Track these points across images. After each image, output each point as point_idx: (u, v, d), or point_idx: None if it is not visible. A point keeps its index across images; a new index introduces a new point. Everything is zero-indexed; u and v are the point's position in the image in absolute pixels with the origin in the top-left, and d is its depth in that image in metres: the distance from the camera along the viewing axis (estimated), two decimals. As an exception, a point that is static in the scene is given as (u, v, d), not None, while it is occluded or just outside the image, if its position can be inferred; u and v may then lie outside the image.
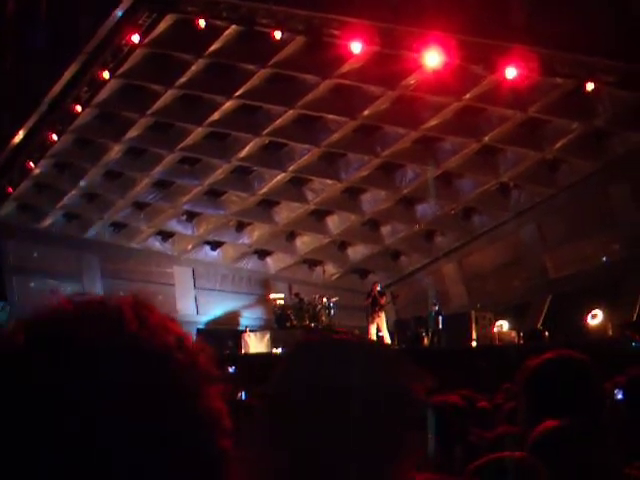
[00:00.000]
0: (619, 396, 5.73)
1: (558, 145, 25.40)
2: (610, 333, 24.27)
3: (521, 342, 24.85)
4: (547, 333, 24.72)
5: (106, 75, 24.41)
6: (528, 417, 3.38)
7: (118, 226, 31.23)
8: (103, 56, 24.11)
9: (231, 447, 1.26)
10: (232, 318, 31.32)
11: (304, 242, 31.43)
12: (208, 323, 30.98)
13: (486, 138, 25.56)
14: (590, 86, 22.43)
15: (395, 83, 24.08)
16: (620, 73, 22.14)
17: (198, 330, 29.59)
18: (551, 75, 22.75)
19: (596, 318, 25.15)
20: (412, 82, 23.80)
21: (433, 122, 25.02)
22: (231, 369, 17.33)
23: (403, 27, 21.10)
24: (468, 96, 24.03)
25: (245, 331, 28.69)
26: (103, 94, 25.59)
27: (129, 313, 1.31)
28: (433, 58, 21.64)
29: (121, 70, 24.81)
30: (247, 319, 31.44)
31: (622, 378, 5.74)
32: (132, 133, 27.11)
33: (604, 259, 26.75)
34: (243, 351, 26.84)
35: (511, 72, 21.84)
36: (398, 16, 20.66)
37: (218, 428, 1.26)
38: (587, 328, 25.14)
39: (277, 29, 22.36)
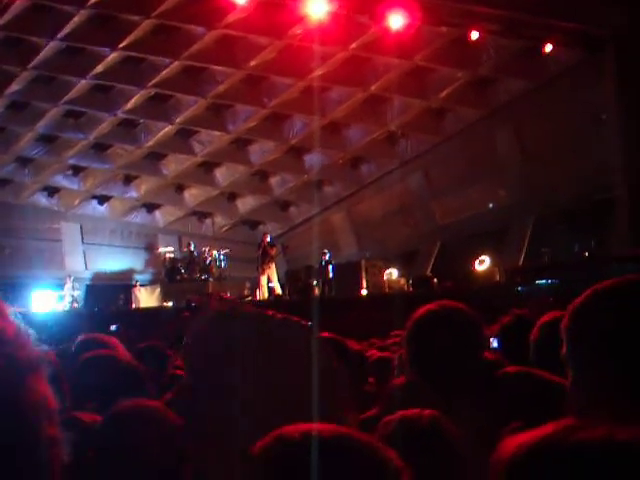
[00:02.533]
0: (494, 344, 5.79)
1: (444, 94, 25.66)
2: (497, 278, 24.71)
3: (410, 289, 25.13)
4: (436, 280, 25.06)
5: (-15, 27, 23.80)
6: (412, 368, 3.43)
7: (2, 182, 30.59)
8: (-19, 7, 23.50)
9: (58, 430, 1.25)
10: (122, 273, 31.04)
11: (193, 194, 31.25)
12: (97, 278, 30.64)
13: (372, 87, 25.67)
14: (474, 35, 22.65)
15: (281, 33, 23.98)
16: (503, 21, 22.39)
17: (87, 286, 29.28)
18: (436, 24, 22.91)
19: (483, 264, 25.57)
20: (298, 32, 23.72)
21: (319, 72, 24.99)
22: (113, 327, 17.10)
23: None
24: (354, 45, 24.07)
25: (135, 285, 28.47)
26: (-18, 47, 25.00)
27: None
28: (318, 7, 21.55)
29: (0, 22, 24.18)
30: (137, 273, 31.24)
31: (496, 326, 5.80)
32: (14, 87, 26.51)
33: (491, 205, 27.16)
34: (134, 306, 26.62)
35: (396, 21, 21.89)
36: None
37: (43, 415, 1.24)
38: (475, 274, 25.54)
39: (160, -21, 22.06)
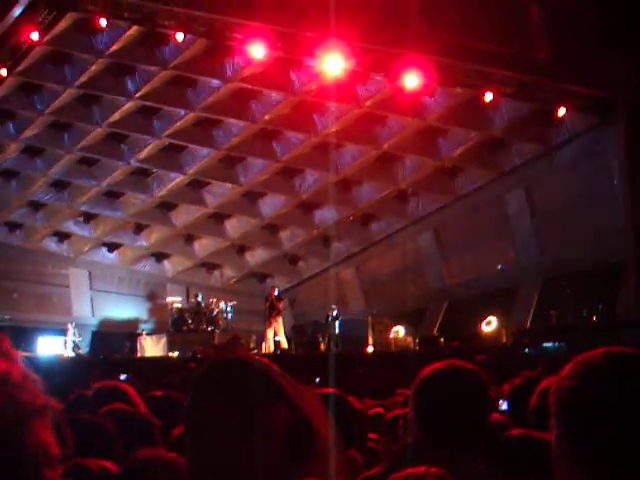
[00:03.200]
0: (504, 407, 5.73)
1: (456, 154, 25.74)
2: (504, 340, 24.63)
3: (417, 348, 25.06)
4: (442, 339, 24.99)
5: (3, 73, 23.98)
6: (418, 426, 3.42)
7: (13, 226, 30.67)
8: (1, 53, 23.69)
9: (57, 476, 1.26)
10: (128, 321, 31.00)
11: (202, 245, 31.28)
12: (103, 325, 30.60)
13: (385, 145, 25.77)
14: (488, 96, 22.78)
15: (296, 89, 24.14)
16: (516, 84, 22.54)
17: (93, 333, 29.26)
18: (450, 85, 23.06)
19: (491, 325, 25.50)
20: (313, 88, 23.88)
21: (333, 128, 25.13)
22: (123, 377, 17.03)
23: (304, 32, 21.16)
24: (368, 103, 24.21)
25: (141, 334, 28.42)
26: (0, 91, 25.15)
27: None
28: (334, 65, 21.71)
29: (19, 68, 24.41)
30: (143, 322, 31.20)
31: (506, 388, 5.74)
32: (30, 132, 26.69)
33: (499, 266, 27.13)
34: (139, 354, 26.57)
35: (411, 81, 22.04)
36: (299, 22, 20.71)
37: (43, 459, 1.24)
38: (482, 334, 25.48)
39: (179, 30, 22.22)
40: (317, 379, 14.11)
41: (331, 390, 4.44)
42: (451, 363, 3.47)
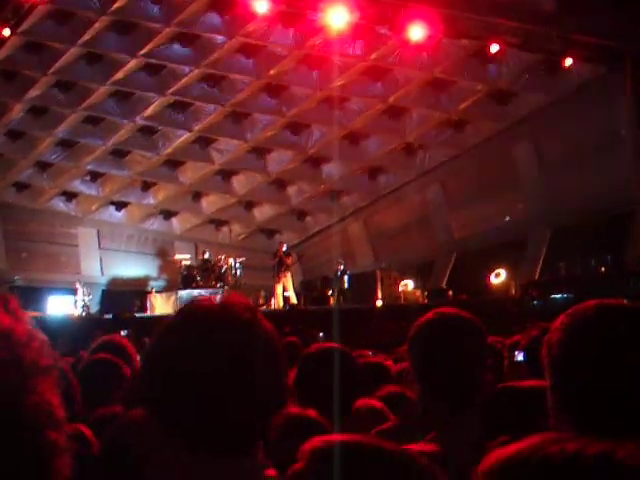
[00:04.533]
0: (519, 357, 5.74)
1: (462, 106, 25.66)
2: (513, 292, 24.67)
3: (425, 301, 25.12)
4: (451, 292, 25.04)
5: (6, 32, 23.83)
6: (415, 378, 3.41)
7: (21, 186, 30.68)
8: (3, 13, 23.52)
9: (63, 439, 1.24)
10: (138, 279, 31.10)
11: (210, 202, 31.31)
12: (113, 284, 30.70)
13: (391, 99, 25.68)
14: (494, 48, 22.64)
15: (301, 43, 24.01)
16: (522, 35, 22.38)
17: (103, 291, 29.35)
18: (456, 36, 22.92)
19: (499, 277, 25.56)
20: (318, 42, 23.75)
21: (339, 82, 25.03)
22: (123, 332, 17.12)
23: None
24: (374, 56, 24.09)
25: (151, 292, 28.51)
26: (3, 52, 25.02)
27: None
28: (338, 18, 21.57)
29: (22, 27, 24.26)
30: (153, 280, 31.29)
31: (523, 339, 5.75)
32: (34, 92, 26.60)
33: (507, 218, 27.12)
34: (149, 312, 26.67)
35: (416, 33, 21.89)
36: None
37: (46, 420, 1.23)
38: (490, 287, 25.53)
39: (182, -14, 22.11)
40: (320, 334, 14.17)
41: (334, 345, 4.43)
42: (441, 311, 3.45)
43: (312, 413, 3.47)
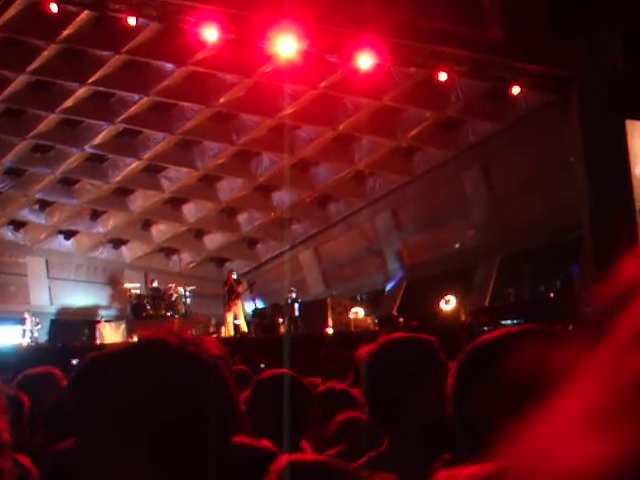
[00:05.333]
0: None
1: (412, 133, 25.80)
2: (463, 318, 24.74)
3: (376, 328, 25.11)
4: (402, 319, 25.07)
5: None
6: (366, 402, 3.40)
7: (-32, 215, 30.40)
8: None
9: (9, 464, 1.22)
10: (87, 308, 30.86)
11: (160, 231, 31.17)
12: (62, 313, 30.43)
13: (341, 126, 25.77)
14: (442, 76, 22.79)
15: (250, 71, 24.05)
16: (469, 63, 22.58)
17: (51, 321, 29.08)
18: (404, 64, 23.07)
19: (449, 303, 25.63)
20: (267, 70, 23.79)
21: (289, 110, 25.07)
22: (75, 361, 16.95)
23: (256, 15, 21.03)
24: (323, 84, 24.18)
25: (99, 321, 28.29)
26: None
27: None
28: (287, 46, 21.61)
29: (-31, 55, 24.13)
30: (103, 309, 31.07)
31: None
32: (-19, 120, 26.41)
33: (457, 245, 27.25)
34: (98, 342, 26.43)
35: (365, 61, 21.99)
36: (251, 3, 20.59)
37: None
38: (441, 313, 25.59)
39: (131, 14, 22.00)
40: (262, 365, 14.11)
41: (284, 371, 4.41)
42: (390, 337, 3.45)
43: (266, 444, 3.44)
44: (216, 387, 1.96)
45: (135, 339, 2.11)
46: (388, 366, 3.35)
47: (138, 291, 28.43)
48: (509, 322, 21.45)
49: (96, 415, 1.86)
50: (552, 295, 22.77)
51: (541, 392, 1.14)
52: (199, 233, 31.47)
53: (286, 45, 21.53)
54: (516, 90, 23.42)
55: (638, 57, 22.52)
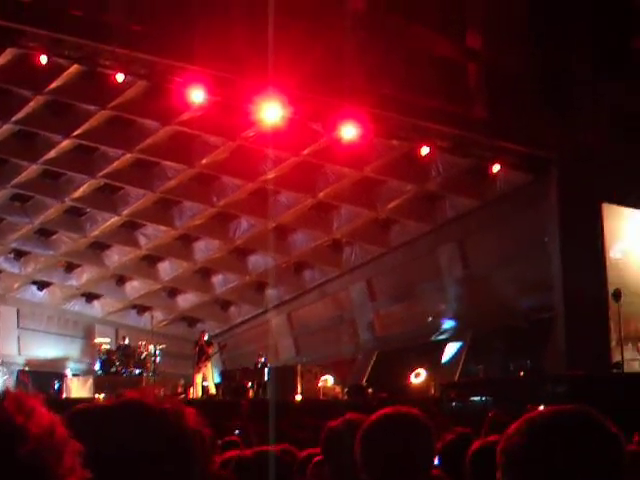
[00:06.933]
0: (435, 461, 5.74)
1: (391, 206, 25.94)
2: (432, 392, 24.70)
3: (345, 398, 25.04)
4: (371, 389, 25.01)
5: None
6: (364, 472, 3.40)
7: (-59, 261, 30.24)
8: None
9: None
10: (55, 361, 30.60)
11: (134, 287, 31.07)
12: (30, 365, 30.16)
13: (321, 194, 25.89)
14: (424, 150, 23.02)
15: (234, 134, 24.19)
16: (452, 139, 22.84)
17: (19, 372, 28.81)
18: (387, 137, 23.29)
19: (419, 377, 25.59)
20: (251, 134, 23.94)
21: (270, 175, 25.19)
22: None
23: (243, 79, 21.24)
24: (306, 152, 24.33)
25: (67, 375, 28.06)
26: None
27: None
28: (272, 112, 21.80)
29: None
30: (71, 362, 30.82)
31: (438, 443, 5.78)
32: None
33: (430, 319, 27.29)
34: (64, 396, 26.20)
35: (348, 131, 22.20)
36: (239, 68, 20.78)
37: None
38: (410, 386, 25.54)
39: (119, 71, 22.15)
40: (236, 431, 14.06)
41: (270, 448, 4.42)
42: (390, 410, 3.47)
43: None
44: (185, 459, 2.00)
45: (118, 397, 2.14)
46: (384, 441, 3.37)
47: (108, 346, 28.26)
48: (478, 399, 21.48)
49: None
50: (522, 374, 22.79)
51: None
52: (173, 292, 31.39)
53: (271, 111, 21.73)
54: (496, 168, 23.68)
55: (618, 140, 22.89)
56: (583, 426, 2.28)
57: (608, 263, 23.44)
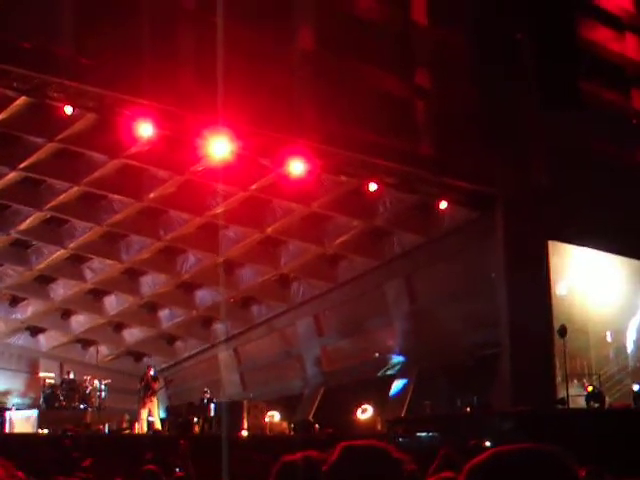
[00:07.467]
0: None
1: (338, 241, 26.02)
2: (379, 428, 24.71)
3: (291, 433, 24.98)
4: (317, 425, 24.97)
5: None
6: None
7: None
8: None
9: None
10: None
11: (79, 321, 30.81)
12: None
13: (269, 229, 25.91)
14: (372, 186, 23.16)
15: (183, 168, 24.15)
16: (399, 176, 23.00)
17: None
18: (334, 173, 23.40)
19: (366, 412, 25.61)
20: (199, 169, 23.91)
21: (218, 210, 25.18)
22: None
23: (191, 114, 21.23)
24: (254, 187, 24.36)
25: (11, 408, 27.68)
26: None
27: None
28: (220, 147, 21.80)
29: None
30: (15, 397, 30.42)
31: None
32: None
33: (376, 355, 27.33)
34: (7, 430, 25.84)
35: (296, 167, 22.27)
36: (187, 103, 20.77)
37: None
38: (357, 422, 25.54)
39: (68, 104, 22.04)
40: (177, 469, 13.98)
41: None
42: (359, 443, 3.46)
43: None
44: None
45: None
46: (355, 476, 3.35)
47: (52, 381, 27.94)
48: (424, 434, 21.52)
49: None
50: (468, 410, 22.88)
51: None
52: (119, 326, 31.18)
53: (219, 146, 21.74)
54: (443, 205, 23.89)
55: (564, 178, 23.18)
56: (550, 467, 2.30)
57: (554, 300, 23.68)
